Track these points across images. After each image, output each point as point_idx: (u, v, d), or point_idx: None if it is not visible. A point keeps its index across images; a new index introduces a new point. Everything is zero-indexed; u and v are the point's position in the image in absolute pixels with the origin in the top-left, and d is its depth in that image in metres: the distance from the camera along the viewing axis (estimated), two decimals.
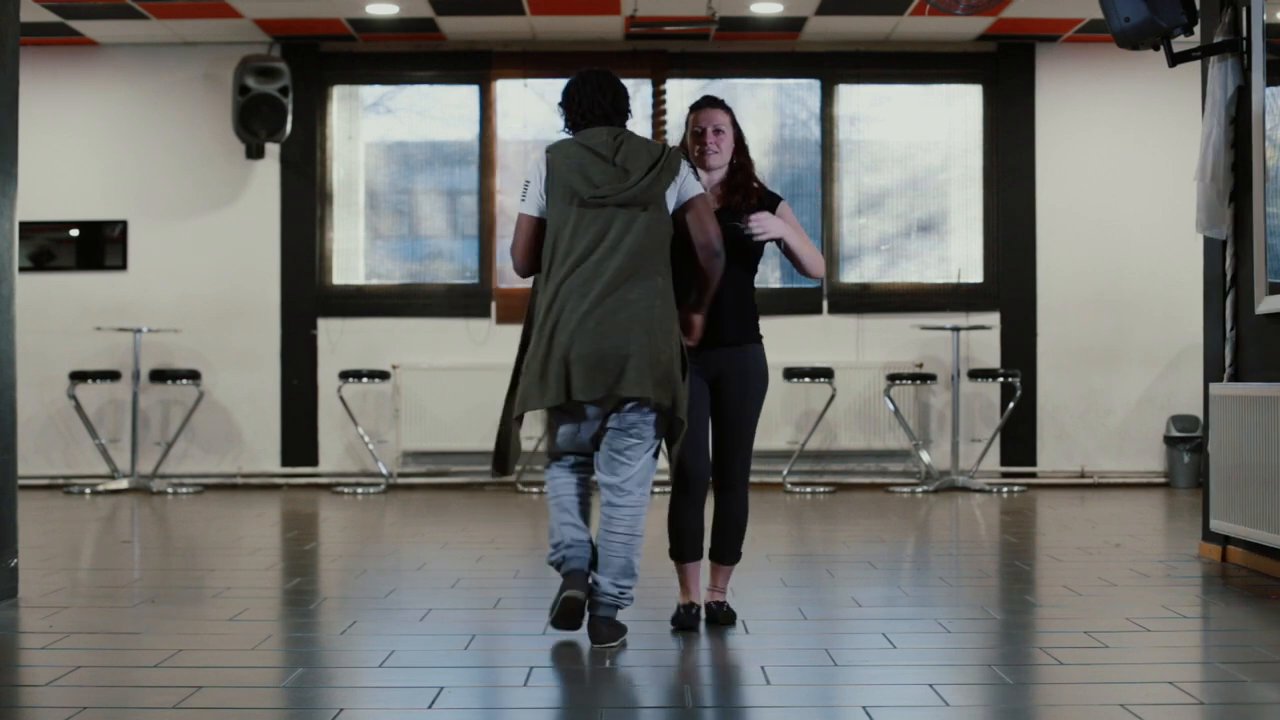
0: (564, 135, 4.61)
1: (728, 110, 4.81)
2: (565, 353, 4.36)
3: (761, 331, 4.84)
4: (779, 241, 4.74)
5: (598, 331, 4.35)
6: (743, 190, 4.78)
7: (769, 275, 10.49)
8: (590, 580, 4.47)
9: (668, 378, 4.39)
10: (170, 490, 9.72)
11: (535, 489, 9.78)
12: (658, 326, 4.40)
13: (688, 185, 4.52)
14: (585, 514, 4.61)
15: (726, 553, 4.87)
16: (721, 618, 4.79)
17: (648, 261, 4.41)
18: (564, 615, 4.42)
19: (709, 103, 4.81)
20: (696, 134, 4.77)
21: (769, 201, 4.82)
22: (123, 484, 9.84)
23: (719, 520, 4.86)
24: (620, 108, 4.56)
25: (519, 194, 4.54)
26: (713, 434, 4.81)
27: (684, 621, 4.73)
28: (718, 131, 4.74)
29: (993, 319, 10.26)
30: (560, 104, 4.61)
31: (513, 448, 4.63)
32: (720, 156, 4.76)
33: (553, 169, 4.44)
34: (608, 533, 4.50)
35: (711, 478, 4.82)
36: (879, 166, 10.52)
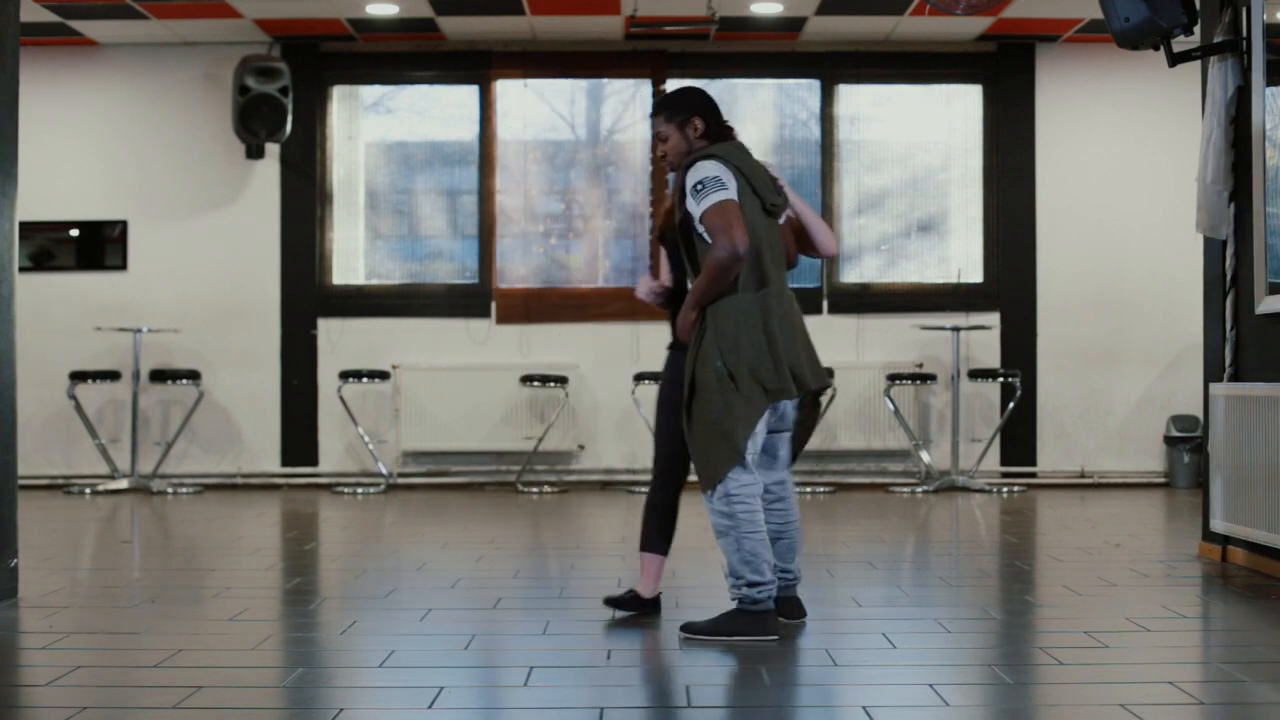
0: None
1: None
2: (790, 348, 4.60)
3: None
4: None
5: (799, 328, 4.66)
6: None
7: None
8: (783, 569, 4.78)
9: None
10: (170, 490, 9.72)
11: (535, 489, 9.78)
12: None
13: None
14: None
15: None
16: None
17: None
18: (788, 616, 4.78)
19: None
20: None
21: None
22: (123, 484, 9.84)
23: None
24: None
25: (705, 191, 4.48)
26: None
27: (621, 603, 5.03)
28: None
29: (993, 319, 10.27)
30: (696, 108, 4.70)
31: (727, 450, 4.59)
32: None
33: (738, 172, 4.56)
34: (789, 523, 4.81)
35: (676, 473, 4.91)
36: (879, 166, 10.52)
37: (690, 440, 4.60)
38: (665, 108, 4.75)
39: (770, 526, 4.74)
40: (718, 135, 4.69)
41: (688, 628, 4.60)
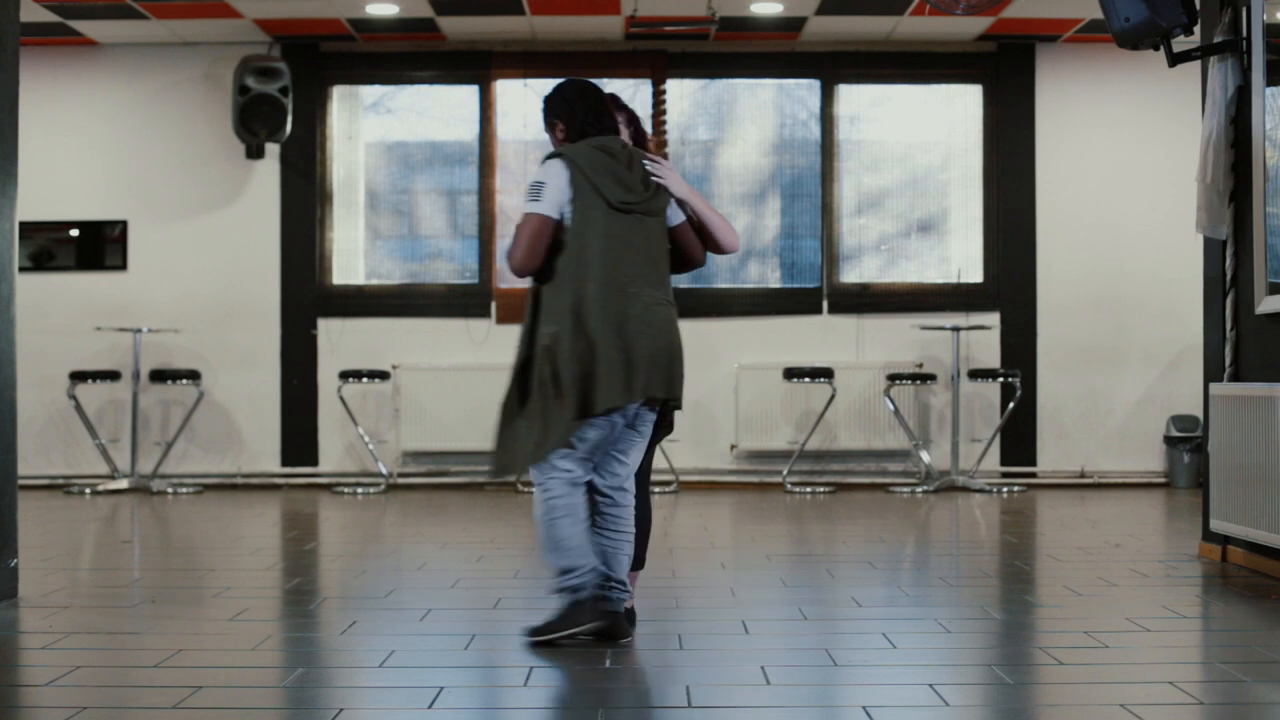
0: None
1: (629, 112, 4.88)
2: (628, 353, 4.38)
3: None
4: (683, 209, 4.66)
5: (650, 333, 4.43)
6: None
7: (769, 275, 10.50)
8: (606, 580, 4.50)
9: (682, 379, 4.56)
10: (170, 490, 9.72)
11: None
12: (677, 330, 4.55)
13: (676, 210, 4.63)
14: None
15: (633, 558, 4.75)
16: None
17: (663, 267, 4.56)
18: (613, 637, 4.46)
19: (614, 103, 4.83)
20: None
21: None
22: (123, 484, 9.84)
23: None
24: (615, 120, 4.67)
25: (526, 196, 4.52)
26: None
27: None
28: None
29: (993, 319, 10.27)
30: (556, 112, 4.63)
31: (552, 442, 4.43)
32: None
33: (578, 172, 4.46)
34: (616, 532, 4.52)
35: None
36: (879, 166, 10.52)
37: (499, 420, 4.49)
38: (542, 110, 4.72)
39: (602, 535, 4.51)
40: (581, 136, 4.58)
41: (530, 631, 4.50)
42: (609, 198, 4.45)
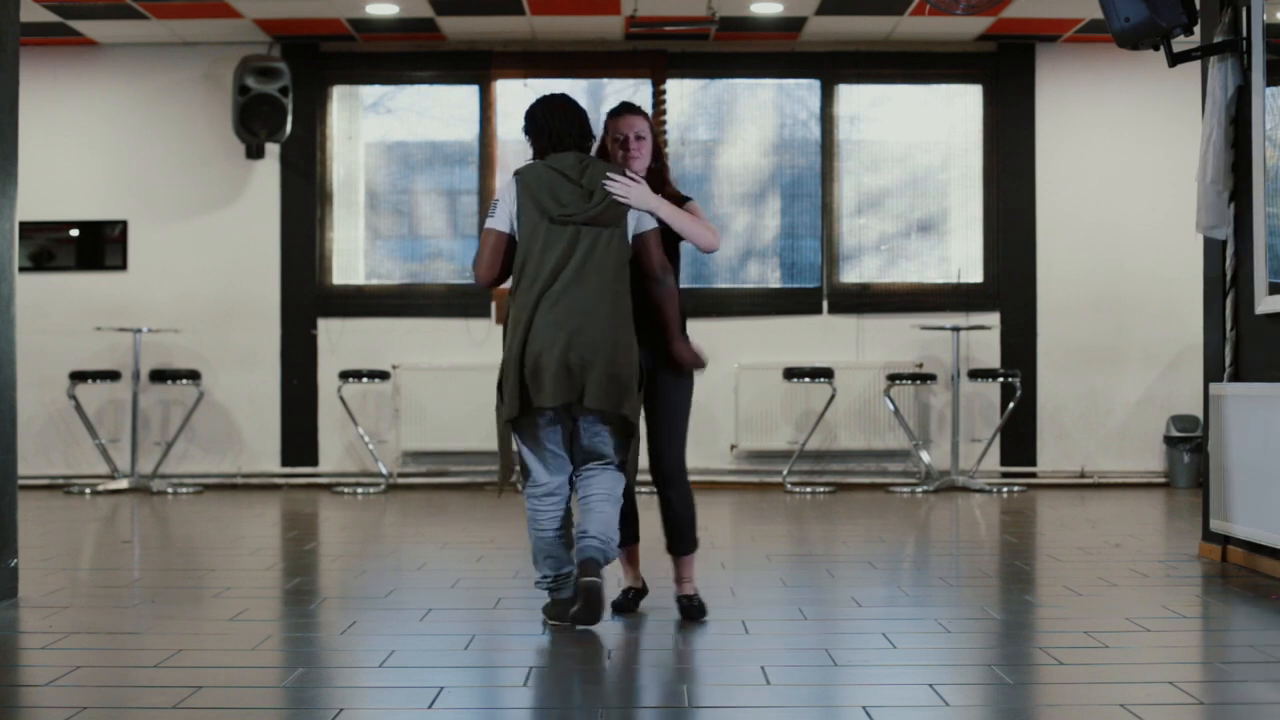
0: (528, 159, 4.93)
1: (646, 117, 5.06)
2: (535, 363, 4.62)
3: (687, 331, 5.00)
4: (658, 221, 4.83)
5: (565, 344, 4.61)
6: (658, 191, 4.98)
7: (769, 275, 10.50)
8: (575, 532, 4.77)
9: (624, 391, 4.66)
10: (170, 490, 9.72)
11: None
12: (619, 341, 4.67)
13: (645, 218, 4.80)
14: (566, 540, 4.82)
15: (684, 543, 4.99)
16: (694, 612, 4.92)
17: (611, 277, 4.71)
18: (586, 610, 4.67)
19: (629, 109, 5.04)
20: (618, 139, 4.97)
21: (678, 201, 5.01)
22: (123, 484, 9.84)
23: (668, 514, 4.97)
24: (587, 134, 4.87)
25: (488, 213, 4.84)
26: (647, 428, 4.97)
27: (622, 605, 5.03)
28: (639, 138, 4.97)
29: (993, 319, 10.26)
30: (526, 130, 4.88)
31: (503, 458, 4.82)
32: (641, 161, 4.98)
33: (523, 189, 4.74)
34: (585, 496, 4.75)
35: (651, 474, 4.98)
36: (879, 166, 10.52)
37: None
38: None
39: (583, 500, 4.78)
40: (547, 151, 4.81)
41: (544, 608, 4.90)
42: (548, 211, 4.69)
